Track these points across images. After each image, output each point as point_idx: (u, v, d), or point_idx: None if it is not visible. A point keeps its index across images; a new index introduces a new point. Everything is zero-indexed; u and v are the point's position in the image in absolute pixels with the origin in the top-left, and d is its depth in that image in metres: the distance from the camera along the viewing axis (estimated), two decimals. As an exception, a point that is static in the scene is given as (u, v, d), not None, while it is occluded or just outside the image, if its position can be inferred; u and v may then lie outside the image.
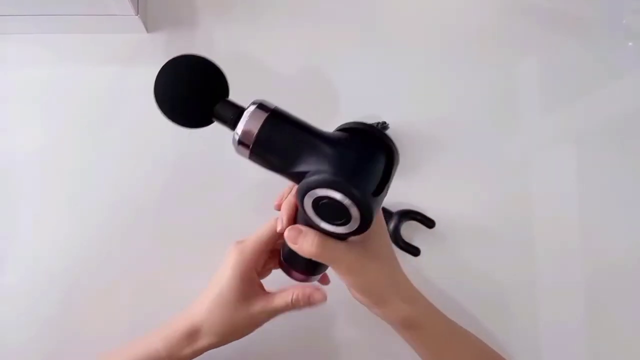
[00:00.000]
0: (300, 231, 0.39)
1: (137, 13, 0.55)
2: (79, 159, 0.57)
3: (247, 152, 0.36)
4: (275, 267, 0.48)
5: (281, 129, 0.36)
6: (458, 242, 0.59)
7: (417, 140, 0.61)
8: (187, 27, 0.61)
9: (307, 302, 0.43)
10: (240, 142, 0.36)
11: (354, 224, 0.35)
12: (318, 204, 0.35)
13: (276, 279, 0.47)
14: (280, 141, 0.36)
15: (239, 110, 0.37)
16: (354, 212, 0.34)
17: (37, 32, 0.58)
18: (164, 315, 0.46)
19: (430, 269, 0.58)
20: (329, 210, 0.35)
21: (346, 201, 0.33)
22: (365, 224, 0.35)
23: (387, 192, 0.37)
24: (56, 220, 0.56)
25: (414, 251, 0.57)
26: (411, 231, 0.58)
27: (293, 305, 0.43)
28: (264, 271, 0.48)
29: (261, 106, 0.36)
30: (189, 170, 0.58)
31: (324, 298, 0.44)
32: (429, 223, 0.57)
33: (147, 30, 0.59)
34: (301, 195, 0.35)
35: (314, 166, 0.35)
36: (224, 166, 0.57)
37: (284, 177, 0.37)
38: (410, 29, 0.64)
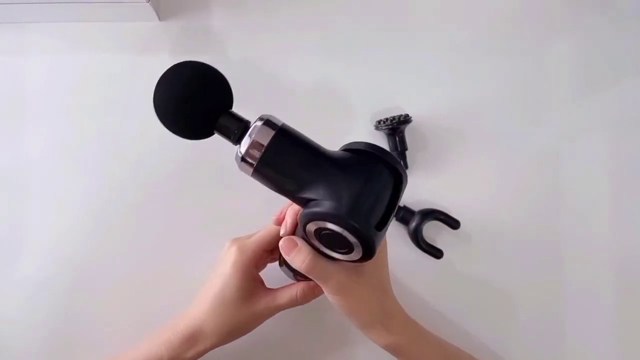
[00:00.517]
0: (295, 245, 0.38)
1: (149, 0, 0.53)
2: (89, 150, 0.56)
3: (251, 170, 0.34)
4: (272, 261, 0.48)
5: (287, 149, 0.34)
6: (484, 244, 0.55)
7: (441, 133, 0.57)
8: (200, 16, 0.58)
9: (313, 295, 0.43)
10: (244, 160, 0.34)
11: (356, 254, 0.35)
12: (320, 233, 0.34)
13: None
14: (285, 162, 0.34)
15: (243, 125, 0.35)
16: (356, 244, 0.33)
17: (46, 21, 0.57)
18: (169, 312, 0.45)
19: (454, 273, 0.55)
20: (331, 239, 0.35)
21: (348, 235, 0.32)
22: (367, 256, 0.34)
23: (392, 219, 0.36)
24: (70, 213, 0.55)
25: (437, 253, 0.53)
26: (434, 232, 0.55)
27: (299, 301, 0.43)
28: (260, 265, 0.47)
29: (268, 123, 0.34)
30: (199, 162, 0.55)
31: None
32: (453, 224, 0.54)
33: (160, 18, 0.57)
34: (303, 223, 0.34)
35: (317, 193, 0.33)
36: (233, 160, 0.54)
37: (287, 198, 0.35)
38: (432, 16, 0.60)
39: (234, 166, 0.35)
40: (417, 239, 0.53)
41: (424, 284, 0.54)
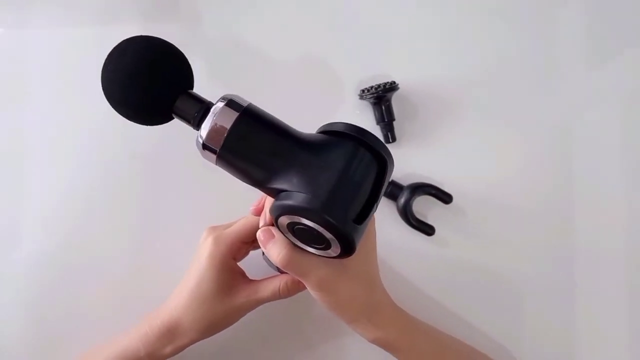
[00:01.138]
0: (272, 237, 0.35)
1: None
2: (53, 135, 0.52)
3: (214, 157, 0.31)
4: (254, 249, 0.45)
5: (253, 133, 0.30)
6: (479, 219, 0.52)
7: (432, 101, 0.53)
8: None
9: (298, 289, 0.40)
10: (206, 146, 0.30)
11: (334, 250, 0.31)
12: (294, 227, 0.31)
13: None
14: (252, 148, 0.30)
15: (204, 107, 0.32)
16: (333, 240, 0.30)
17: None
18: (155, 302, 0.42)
19: (446, 251, 0.51)
20: (306, 234, 0.31)
21: (323, 231, 0.29)
22: (346, 252, 0.31)
23: (376, 210, 0.31)
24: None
25: (428, 230, 0.50)
26: (425, 207, 0.51)
27: (282, 294, 0.40)
28: (239, 256, 0.44)
29: (231, 103, 0.31)
30: (179, 149, 0.51)
31: None
32: (445, 198, 0.50)
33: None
34: (274, 216, 0.31)
35: (290, 183, 0.29)
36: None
37: (257, 189, 0.32)
38: None
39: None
40: (407, 215, 0.50)
41: (414, 263, 0.51)
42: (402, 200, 0.50)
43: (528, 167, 0.53)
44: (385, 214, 0.51)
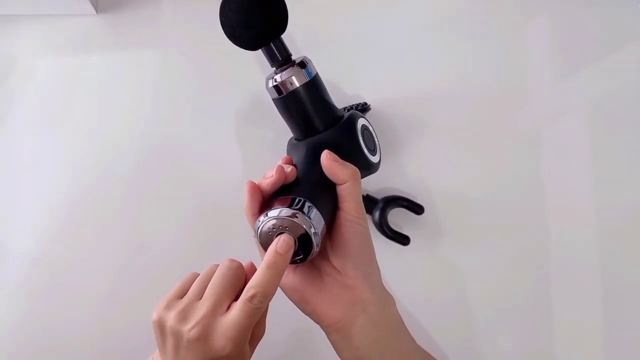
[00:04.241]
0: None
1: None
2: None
3: (277, 96, 0.38)
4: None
5: (308, 98, 0.38)
6: (452, 229, 0.54)
7: (404, 120, 0.56)
8: (139, 6, 0.55)
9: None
10: (276, 87, 0.38)
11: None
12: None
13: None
14: (301, 107, 0.39)
15: (287, 55, 0.38)
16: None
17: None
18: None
19: (421, 260, 0.54)
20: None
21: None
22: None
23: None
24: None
25: (403, 240, 0.53)
26: (400, 219, 0.54)
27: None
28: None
29: (303, 65, 0.38)
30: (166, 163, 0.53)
31: None
32: (417, 209, 0.53)
33: (97, 11, 0.53)
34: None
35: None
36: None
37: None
38: None
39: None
40: (383, 227, 0.52)
41: (392, 273, 0.53)
42: (377, 212, 0.53)
43: (493, 176, 0.55)
44: (362, 226, 0.53)
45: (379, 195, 0.54)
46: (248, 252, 0.39)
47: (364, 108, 0.53)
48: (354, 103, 0.53)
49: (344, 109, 0.53)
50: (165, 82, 0.54)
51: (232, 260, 0.36)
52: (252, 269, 0.37)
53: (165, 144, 0.54)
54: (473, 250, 0.54)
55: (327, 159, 0.36)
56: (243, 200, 0.34)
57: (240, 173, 0.54)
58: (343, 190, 0.36)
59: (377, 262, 0.38)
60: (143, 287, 0.51)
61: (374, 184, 0.54)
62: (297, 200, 0.33)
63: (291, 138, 0.42)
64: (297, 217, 0.32)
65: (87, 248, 0.52)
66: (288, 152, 0.42)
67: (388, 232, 0.52)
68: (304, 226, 0.32)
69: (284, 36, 0.38)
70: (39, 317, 0.51)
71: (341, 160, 0.36)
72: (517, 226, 0.54)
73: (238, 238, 0.49)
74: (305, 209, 0.33)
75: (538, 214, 0.54)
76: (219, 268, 0.35)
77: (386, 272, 0.52)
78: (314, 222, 0.33)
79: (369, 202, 0.53)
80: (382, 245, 0.53)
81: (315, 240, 0.33)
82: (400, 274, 0.53)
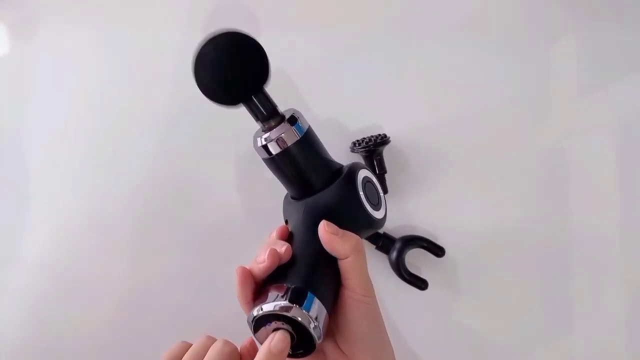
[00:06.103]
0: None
1: None
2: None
3: (266, 156, 0.36)
4: None
5: (301, 156, 0.36)
6: (473, 273, 0.51)
7: (423, 152, 0.53)
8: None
9: None
10: (264, 147, 0.35)
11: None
12: None
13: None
14: (295, 166, 0.36)
15: (272, 109, 0.35)
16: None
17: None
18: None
19: (440, 306, 0.50)
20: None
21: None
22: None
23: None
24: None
25: (421, 284, 0.49)
26: (418, 260, 0.51)
27: None
28: None
29: (294, 121, 0.35)
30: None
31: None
32: (437, 251, 0.50)
33: None
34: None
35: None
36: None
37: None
38: (414, 17, 0.54)
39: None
40: (399, 269, 0.49)
41: (407, 318, 0.50)
42: (394, 253, 0.49)
43: (523, 216, 0.52)
44: (378, 268, 0.50)
45: (397, 234, 0.50)
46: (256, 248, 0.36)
47: (383, 141, 0.50)
48: (372, 134, 0.50)
49: (362, 140, 0.50)
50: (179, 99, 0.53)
51: (226, 343, 0.32)
52: (253, 349, 0.33)
53: (178, 151, 0.53)
54: (495, 300, 0.51)
55: (325, 232, 0.33)
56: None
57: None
58: (346, 266, 0.33)
59: (389, 341, 0.35)
60: (154, 296, 0.51)
61: (392, 222, 0.51)
62: (293, 290, 0.30)
63: (287, 194, 0.40)
64: (294, 311, 0.29)
65: (99, 256, 0.52)
66: (284, 210, 0.39)
67: (405, 275, 0.49)
68: (303, 321, 0.29)
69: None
70: (50, 325, 0.52)
71: (341, 232, 0.33)
72: (542, 273, 0.51)
73: (250, 245, 0.44)
74: (304, 301, 0.29)
75: (565, 260, 0.51)
76: (210, 351, 0.31)
77: (400, 317, 0.49)
78: (314, 314, 0.29)
79: (386, 241, 0.49)
80: (398, 288, 0.50)
81: (316, 334, 0.30)
82: (415, 323, 0.50)
